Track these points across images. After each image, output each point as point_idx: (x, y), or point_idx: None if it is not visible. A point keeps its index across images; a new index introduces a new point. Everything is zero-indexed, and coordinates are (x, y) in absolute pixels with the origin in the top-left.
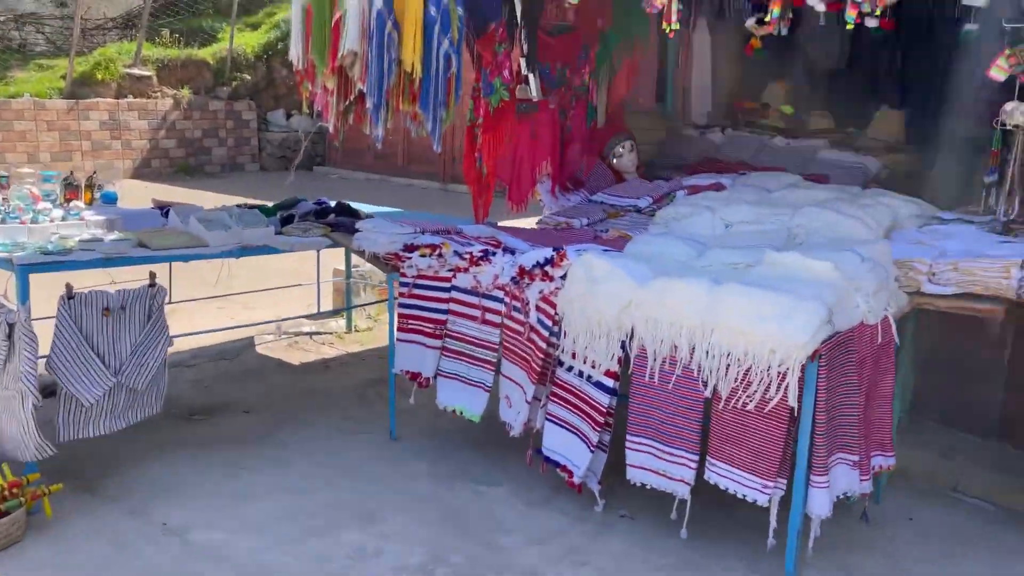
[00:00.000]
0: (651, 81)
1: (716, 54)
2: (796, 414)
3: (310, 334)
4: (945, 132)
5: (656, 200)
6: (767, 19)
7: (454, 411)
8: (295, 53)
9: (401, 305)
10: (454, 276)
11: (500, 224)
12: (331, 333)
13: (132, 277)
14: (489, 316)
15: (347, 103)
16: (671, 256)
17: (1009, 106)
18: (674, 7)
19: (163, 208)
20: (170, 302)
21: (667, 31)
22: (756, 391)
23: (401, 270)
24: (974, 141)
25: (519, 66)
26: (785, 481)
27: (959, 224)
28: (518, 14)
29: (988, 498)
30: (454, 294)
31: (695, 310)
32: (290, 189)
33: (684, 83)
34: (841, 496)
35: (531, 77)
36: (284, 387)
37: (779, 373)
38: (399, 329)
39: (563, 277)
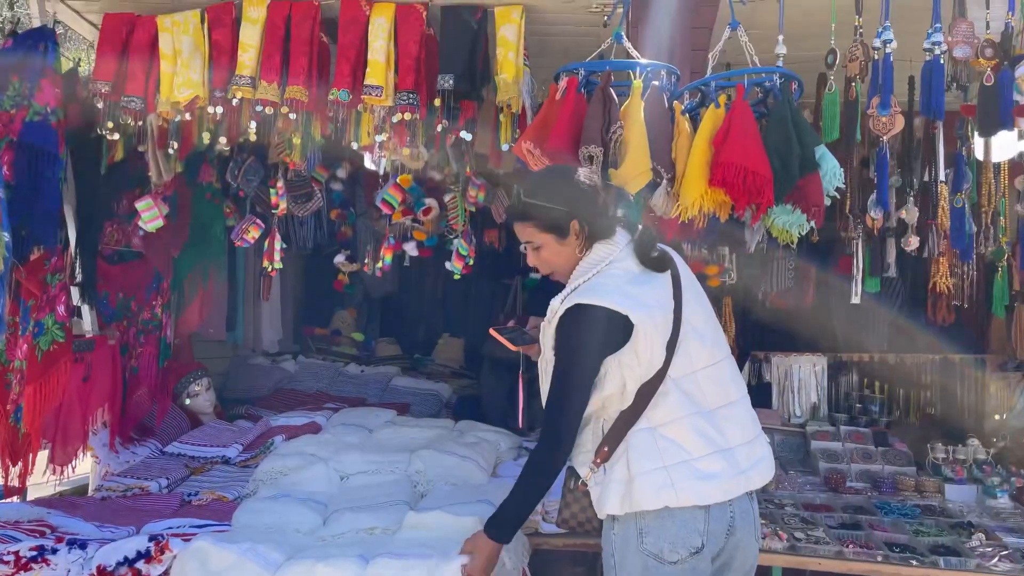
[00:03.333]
0: (221, 310)
1: (287, 283)
2: None
3: None
4: None
5: (247, 447)
6: (380, 264)
7: None
8: None
9: None
10: None
11: (49, 497)
12: None
13: None
14: None
15: None
16: (293, 526)
17: None
18: (277, 246)
19: None
20: None
21: (269, 269)
22: None
23: None
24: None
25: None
26: None
27: None
28: (72, 237)
29: None
30: None
31: None
32: None
33: (255, 311)
34: None
35: (85, 309)
36: None
37: None
38: None
39: None
